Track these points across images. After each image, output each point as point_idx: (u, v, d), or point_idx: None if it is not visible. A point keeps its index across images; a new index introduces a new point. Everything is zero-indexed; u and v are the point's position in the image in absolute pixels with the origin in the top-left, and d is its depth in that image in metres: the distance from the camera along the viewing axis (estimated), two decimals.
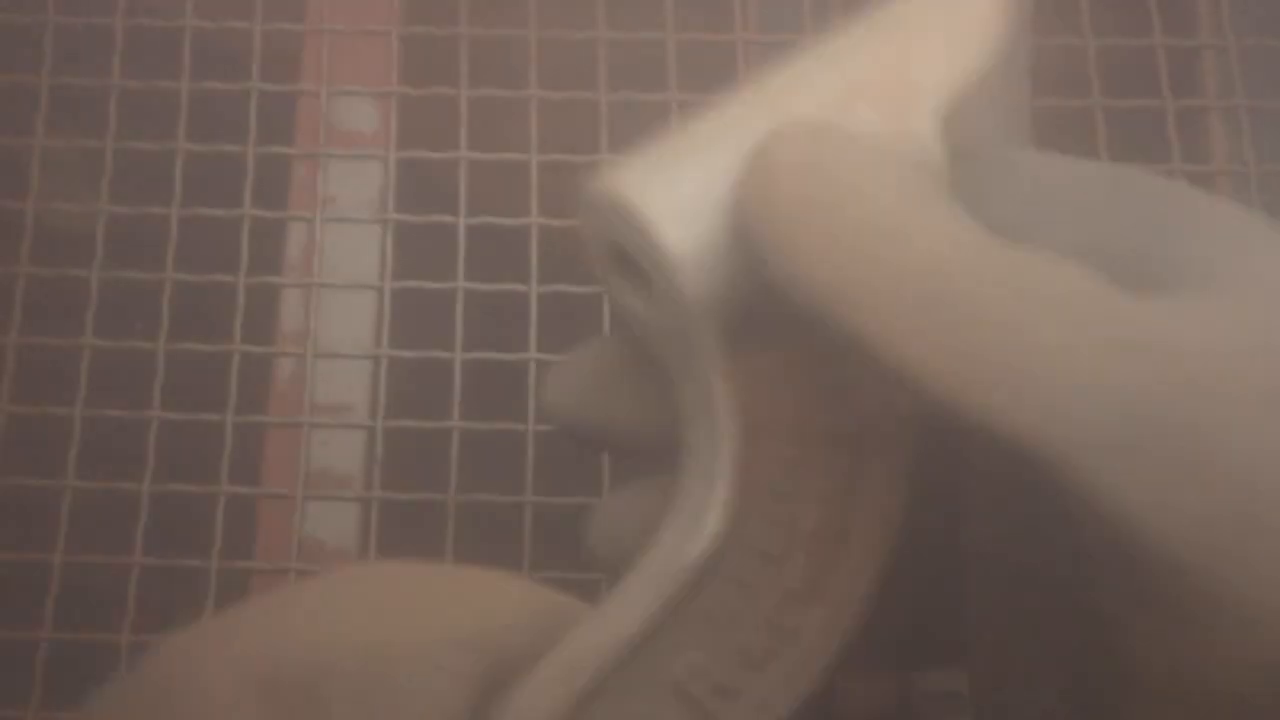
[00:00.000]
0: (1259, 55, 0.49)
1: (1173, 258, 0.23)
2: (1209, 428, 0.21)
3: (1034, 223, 0.24)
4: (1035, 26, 0.30)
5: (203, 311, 0.47)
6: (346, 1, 0.51)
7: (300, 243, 0.49)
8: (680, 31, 0.50)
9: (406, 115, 0.50)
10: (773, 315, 0.25)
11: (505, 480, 0.46)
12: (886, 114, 0.26)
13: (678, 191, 0.25)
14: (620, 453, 0.28)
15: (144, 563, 0.44)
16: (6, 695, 0.44)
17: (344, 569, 0.29)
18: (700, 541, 0.25)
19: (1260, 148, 0.48)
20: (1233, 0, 0.50)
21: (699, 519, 0.26)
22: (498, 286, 0.47)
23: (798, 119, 0.25)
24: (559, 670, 0.25)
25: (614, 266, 0.26)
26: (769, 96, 0.26)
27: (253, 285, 0.47)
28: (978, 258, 0.22)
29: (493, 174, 0.49)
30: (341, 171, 0.49)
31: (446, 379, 0.47)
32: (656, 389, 0.26)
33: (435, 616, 0.26)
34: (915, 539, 0.25)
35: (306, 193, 0.49)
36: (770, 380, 0.26)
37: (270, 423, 0.47)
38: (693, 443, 0.26)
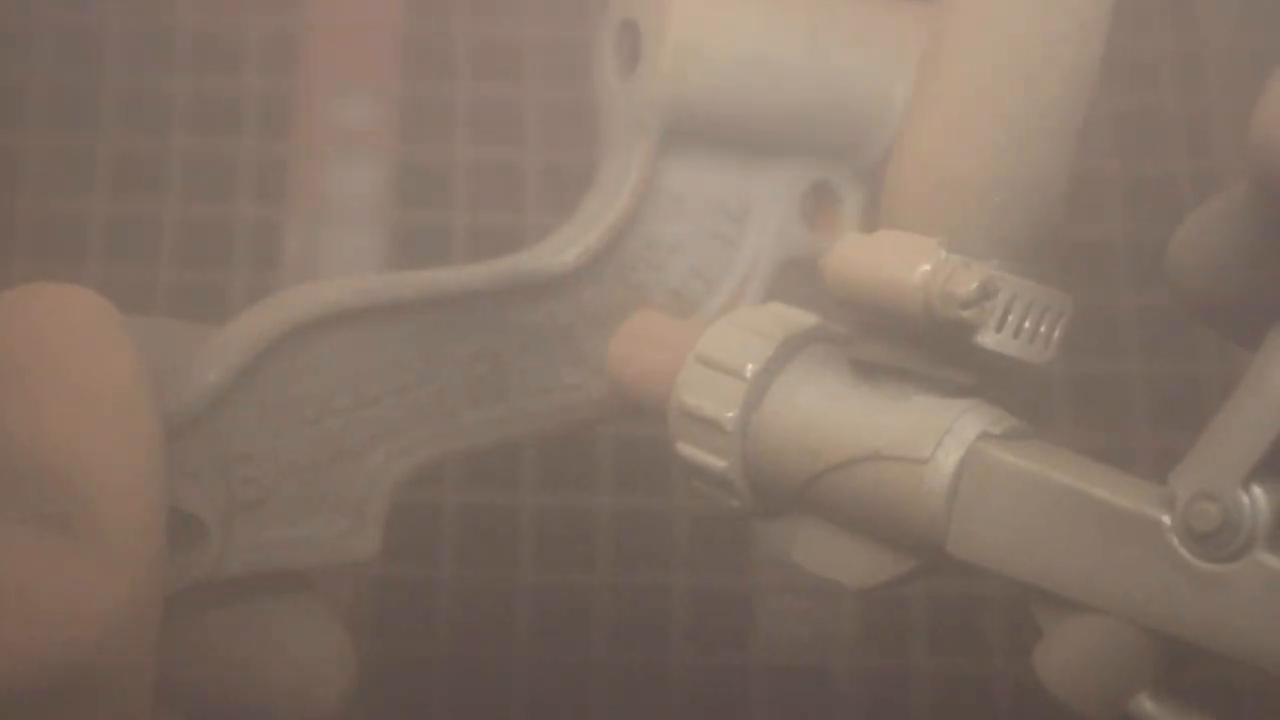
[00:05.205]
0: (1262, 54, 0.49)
1: None
2: None
3: None
4: None
5: (200, 311, 0.47)
6: None
7: (298, 240, 0.48)
8: None
9: (406, 112, 0.50)
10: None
11: (504, 480, 0.46)
12: None
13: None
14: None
15: None
16: None
17: None
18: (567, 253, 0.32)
19: None
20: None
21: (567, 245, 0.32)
22: None
23: None
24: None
25: (614, 43, 0.32)
26: None
27: (250, 283, 0.47)
28: None
29: (492, 172, 0.48)
30: (340, 169, 0.49)
31: None
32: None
33: None
34: None
35: (304, 190, 0.49)
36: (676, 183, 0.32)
37: None
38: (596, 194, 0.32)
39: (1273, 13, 0.47)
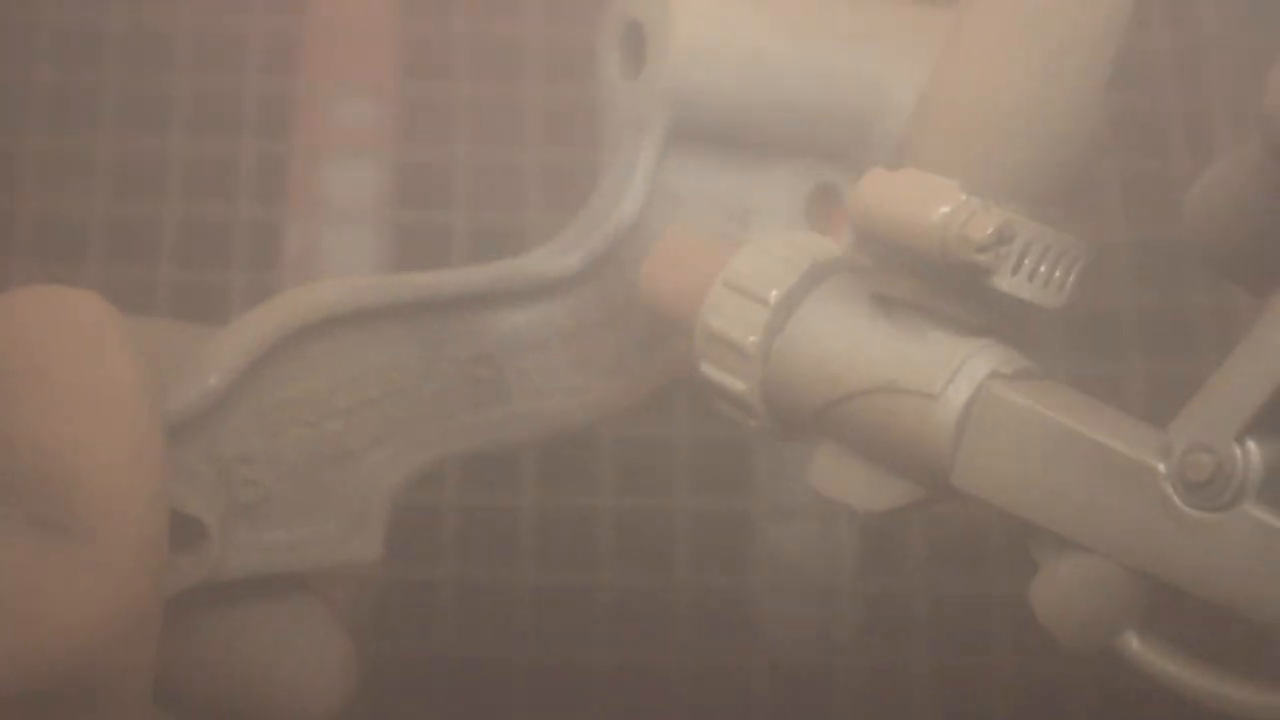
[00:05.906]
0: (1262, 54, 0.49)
1: None
2: None
3: None
4: None
5: (200, 311, 0.47)
6: None
7: (298, 240, 0.48)
8: None
9: (406, 112, 0.50)
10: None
11: (504, 481, 0.46)
12: None
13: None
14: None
15: None
16: None
17: None
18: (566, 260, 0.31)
19: None
20: None
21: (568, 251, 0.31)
22: None
23: None
24: None
25: (618, 44, 0.32)
26: None
27: (250, 283, 0.47)
28: None
29: (492, 172, 0.48)
30: (340, 169, 0.49)
31: None
32: None
33: None
34: None
35: (304, 190, 0.49)
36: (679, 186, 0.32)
37: None
38: (599, 201, 0.32)
39: (1273, 13, 0.47)
